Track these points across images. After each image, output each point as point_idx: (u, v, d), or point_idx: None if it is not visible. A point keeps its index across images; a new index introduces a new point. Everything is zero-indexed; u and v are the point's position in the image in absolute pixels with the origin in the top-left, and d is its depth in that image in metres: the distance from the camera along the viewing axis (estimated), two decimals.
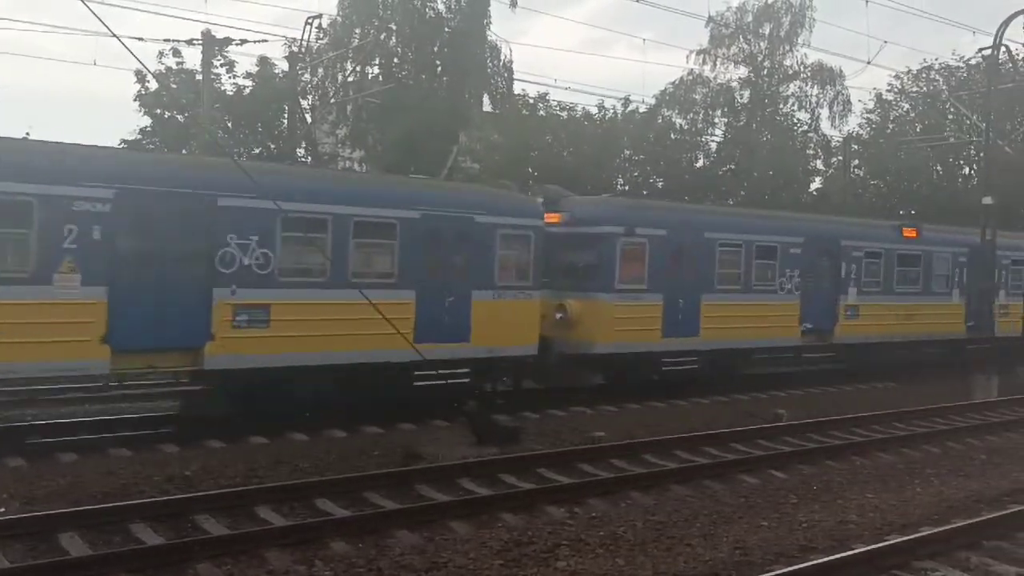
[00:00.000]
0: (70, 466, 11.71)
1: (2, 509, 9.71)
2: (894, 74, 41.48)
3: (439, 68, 31.95)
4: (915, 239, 23.73)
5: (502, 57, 33.41)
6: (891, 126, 41.25)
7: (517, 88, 34.56)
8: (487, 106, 34.22)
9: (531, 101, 34.96)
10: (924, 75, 40.66)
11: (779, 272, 20.50)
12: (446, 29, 31.90)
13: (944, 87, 39.49)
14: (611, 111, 36.35)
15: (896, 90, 41.33)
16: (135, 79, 26.56)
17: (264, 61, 29.14)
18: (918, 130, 39.38)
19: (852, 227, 23.57)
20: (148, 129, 27.70)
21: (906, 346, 23.66)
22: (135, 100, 27.28)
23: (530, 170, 32.82)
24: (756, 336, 20.11)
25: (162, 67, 27.41)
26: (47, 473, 11.20)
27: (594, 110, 35.89)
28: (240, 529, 9.35)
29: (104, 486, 10.76)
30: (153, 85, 26.56)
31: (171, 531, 9.34)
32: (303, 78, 30.23)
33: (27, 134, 16.91)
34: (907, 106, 41.59)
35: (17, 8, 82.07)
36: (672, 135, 38.79)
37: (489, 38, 32.70)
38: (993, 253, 23.95)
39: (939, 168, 40.32)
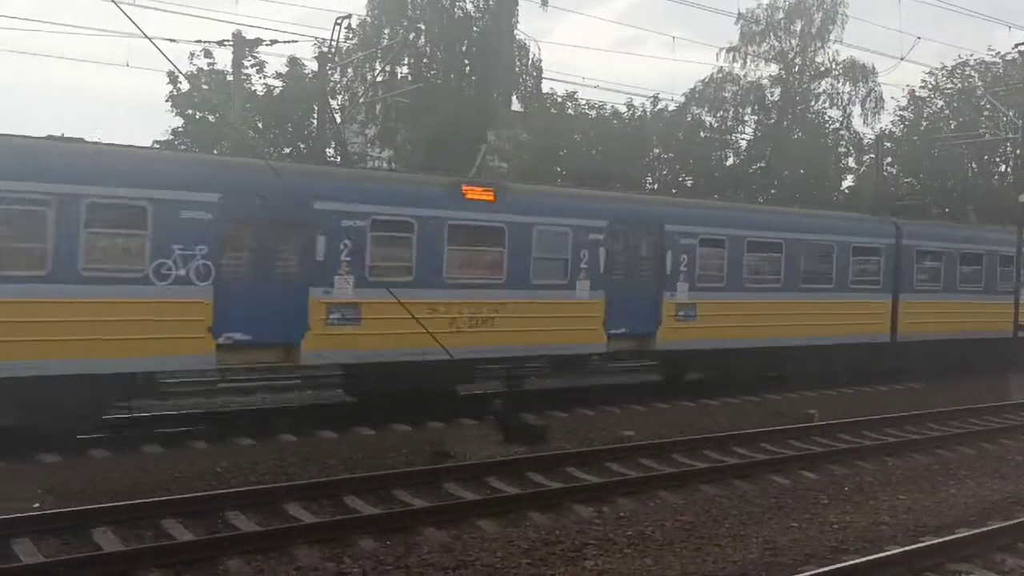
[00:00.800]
0: (103, 462, 11.87)
1: (37, 504, 9.85)
2: (928, 70, 40.89)
3: (467, 67, 32.06)
4: (491, 204, 15.78)
5: (530, 56, 33.53)
6: (925, 123, 40.73)
7: (545, 87, 34.72)
8: (515, 105, 34.32)
9: (559, 100, 35.03)
10: (959, 71, 40.04)
11: (156, 248, 12.63)
12: (474, 28, 32.00)
13: (979, 83, 38.88)
14: (640, 109, 36.33)
15: (930, 87, 40.77)
16: (167, 80, 26.98)
17: (294, 61, 29.53)
18: (952, 127, 38.85)
19: (344, 182, 15.18)
20: (180, 130, 28.07)
21: (478, 365, 16.28)
22: (167, 101, 27.70)
23: (558, 168, 32.83)
24: (100, 353, 12.25)
25: (194, 68, 27.81)
26: (81, 469, 11.34)
27: (623, 108, 35.88)
28: (270, 526, 9.41)
29: (136, 482, 10.87)
30: (185, 86, 26.92)
31: (202, 527, 9.41)
32: (332, 78, 30.45)
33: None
34: (941, 103, 40.99)
35: (50, 11, 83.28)
36: (702, 133, 38.69)
37: (517, 37, 32.85)
38: (662, 228, 17.65)
39: (974, 165, 39.76)
